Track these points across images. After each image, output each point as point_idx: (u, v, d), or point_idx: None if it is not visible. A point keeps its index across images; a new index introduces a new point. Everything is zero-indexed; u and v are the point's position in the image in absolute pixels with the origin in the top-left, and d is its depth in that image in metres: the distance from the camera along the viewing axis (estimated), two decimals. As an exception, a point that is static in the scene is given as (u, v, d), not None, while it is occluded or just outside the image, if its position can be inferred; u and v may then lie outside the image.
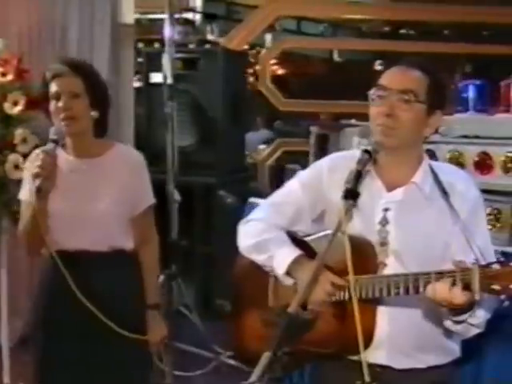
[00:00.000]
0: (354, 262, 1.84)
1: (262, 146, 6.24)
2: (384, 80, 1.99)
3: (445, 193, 1.97)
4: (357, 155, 2.01)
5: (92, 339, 2.46)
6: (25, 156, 3.03)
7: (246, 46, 5.77)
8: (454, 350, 2.05)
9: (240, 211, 4.05)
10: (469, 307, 1.80)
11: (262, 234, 2.12)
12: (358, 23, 7.18)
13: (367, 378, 1.78)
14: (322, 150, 4.14)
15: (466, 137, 2.94)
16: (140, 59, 5.12)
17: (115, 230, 2.49)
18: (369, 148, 1.93)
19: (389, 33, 7.41)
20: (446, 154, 3.01)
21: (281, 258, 2.04)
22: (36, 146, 2.91)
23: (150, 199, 2.59)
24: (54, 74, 2.47)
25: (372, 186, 1.99)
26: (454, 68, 7.07)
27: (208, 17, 7.03)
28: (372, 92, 1.99)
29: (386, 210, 1.99)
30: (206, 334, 4.17)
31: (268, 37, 6.55)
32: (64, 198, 2.41)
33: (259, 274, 2.16)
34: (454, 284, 1.75)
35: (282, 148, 5.58)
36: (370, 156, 1.92)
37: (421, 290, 1.82)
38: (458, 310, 1.81)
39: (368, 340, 1.91)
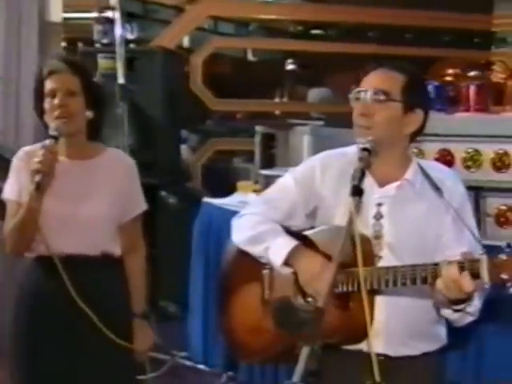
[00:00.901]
0: (352, 255, 1.93)
1: (183, 146, 6.24)
2: (362, 83, 2.10)
3: (437, 188, 2.08)
4: (347, 153, 2.16)
5: (80, 348, 2.40)
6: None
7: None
8: (442, 337, 2.17)
9: (187, 211, 4.04)
10: (469, 297, 1.89)
11: (258, 227, 2.18)
12: (272, 23, 7.19)
13: (377, 378, 1.85)
14: (269, 149, 4.21)
15: (426, 135, 3.06)
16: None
17: (106, 234, 2.45)
18: (367, 146, 2.01)
19: (301, 33, 7.42)
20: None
21: (278, 248, 2.12)
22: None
23: (143, 205, 2.55)
24: (50, 71, 2.42)
25: (363, 183, 2.02)
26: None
27: (128, 16, 6.95)
28: (351, 95, 2.10)
29: (380, 204, 2.09)
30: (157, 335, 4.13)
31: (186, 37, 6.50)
32: (55, 200, 2.35)
33: (250, 268, 2.22)
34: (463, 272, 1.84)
35: (214, 147, 5.59)
36: (369, 153, 2.00)
37: (429, 280, 1.91)
38: (461, 300, 1.91)
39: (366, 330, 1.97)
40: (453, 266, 1.86)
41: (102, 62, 4.65)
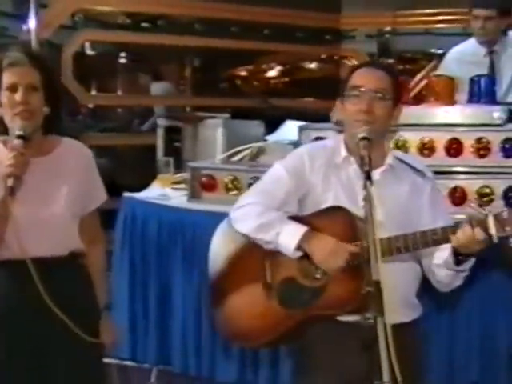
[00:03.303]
0: (350, 233, 2.24)
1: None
2: (357, 81, 2.36)
3: (417, 170, 2.41)
4: (327, 145, 2.48)
5: (54, 354, 2.35)
6: None
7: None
8: (420, 306, 2.46)
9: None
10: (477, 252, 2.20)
11: (264, 215, 2.35)
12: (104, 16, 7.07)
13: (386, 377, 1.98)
14: (173, 142, 4.23)
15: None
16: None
17: (73, 232, 2.41)
18: (365, 135, 2.27)
19: (130, 25, 7.38)
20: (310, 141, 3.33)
21: (289, 234, 2.31)
22: None
23: (103, 196, 2.51)
24: (11, 62, 2.29)
25: (349, 170, 2.39)
26: (182, 60, 7.40)
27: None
28: (347, 91, 2.36)
29: None
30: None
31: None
32: (20, 202, 2.25)
33: (245, 258, 2.42)
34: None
35: (89, 142, 5.45)
36: (368, 141, 2.27)
37: (441, 242, 2.22)
38: (466, 258, 2.22)
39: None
40: (466, 225, 2.15)
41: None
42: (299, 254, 2.29)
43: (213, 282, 2.47)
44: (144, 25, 6.96)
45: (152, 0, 6.12)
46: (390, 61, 7.15)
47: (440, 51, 6.54)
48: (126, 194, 3.65)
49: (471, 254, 2.21)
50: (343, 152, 2.39)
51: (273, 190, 2.39)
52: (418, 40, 7.09)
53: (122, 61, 7.39)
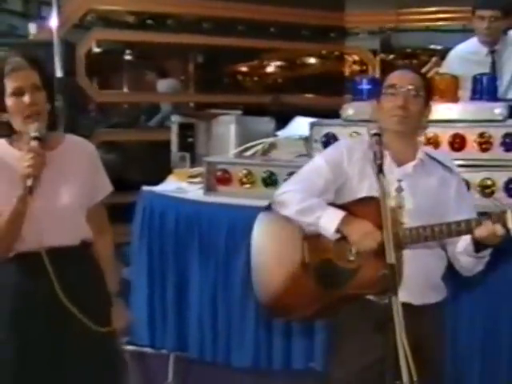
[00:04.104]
0: (379, 218, 2.33)
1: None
2: (393, 81, 2.57)
3: (446, 166, 2.59)
4: (363, 140, 2.63)
5: (70, 346, 2.45)
6: None
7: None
8: (445, 289, 2.63)
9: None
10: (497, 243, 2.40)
11: (305, 201, 2.55)
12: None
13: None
14: (187, 138, 4.38)
15: (363, 121, 3.45)
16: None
17: (82, 221, 2.52)
18: (377, 131, 2.46)
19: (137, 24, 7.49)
20: (347, 136, 3.50)
21: (329, 217, 2.50)
22: None
23: (108, 187, 2.63)
24: (13, 68, 2.38)
25: (383, 162, 2.46)
26: (187, 57, 7.56)
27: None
28: (384, 90, 2.57)
29: (400, 180, 2.54)
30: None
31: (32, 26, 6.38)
32: (34, 196, 2.35)
33: (282, 241, 2.63)
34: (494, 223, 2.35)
35: (100, 138, 5.61)
36: (379, 136, 2.45)
37: (463, 233, 2.43)
38: (485, 247, 2.42)
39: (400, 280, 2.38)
40: (487, 221, 2.36)
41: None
42: (337, 235, 2.49)
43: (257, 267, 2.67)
44: (149, 22, 7.08)
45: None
46: (391, 56, 7.36)
47: (439, 47, 6.77)
48: (145, 188, 3.79)
49: (489, 245, 2.43)
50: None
51: (313, 179, 2.60)
52: (418, 37, 7.27)
53: (128, 58, 7.54)
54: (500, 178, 3.41)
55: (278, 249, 2.64)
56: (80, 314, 2.39)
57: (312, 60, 7.62)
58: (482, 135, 3.46)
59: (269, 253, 2.65)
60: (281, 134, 4.14)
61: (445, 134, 3.48)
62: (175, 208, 3.69)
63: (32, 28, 5.79)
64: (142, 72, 7.67)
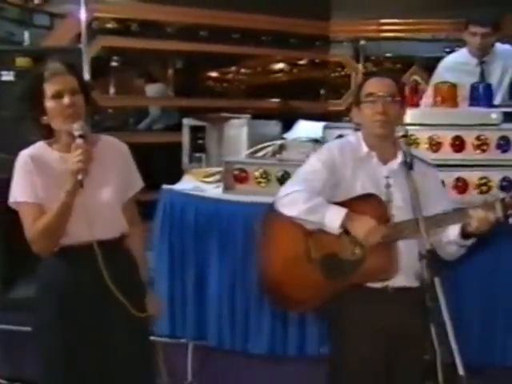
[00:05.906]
0: (380, 214, 2.66)
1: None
2: (371, 89, 2.78)
3: (423, 161, 2.86)
4: (352, 141, 2.87)
5: (113, 331, 2.61)
6: None
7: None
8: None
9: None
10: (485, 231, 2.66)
11: (310, 200, 2.73)
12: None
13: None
14: (198, 140, 4.61)
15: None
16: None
17: (121, 215, 2.69)
18: (405, 133, 2.76)
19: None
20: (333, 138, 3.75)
21: (333, 215, 2.69)
22: None
23: (140, 183, 2.82)
24: (53, 73, 2.53)
25: (371, 162, 2.80)
26: (167, 63, 7.76)
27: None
28: (363, 98, 2.79)
29: (387, 177, 2.79)
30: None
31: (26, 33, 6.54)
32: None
33: (289, 238, 2.83)
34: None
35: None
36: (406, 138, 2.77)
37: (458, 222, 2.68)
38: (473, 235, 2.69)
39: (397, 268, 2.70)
40: (479, 209, 2.63)
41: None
42: (341, 231, 2.70)
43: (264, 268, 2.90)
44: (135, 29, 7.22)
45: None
46: (367, 64, 7.69)
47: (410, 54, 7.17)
48: (165, 186, 3.99)
49: (478, 234, 2.68)
50: (364, 148, 2.81)
51: (311, 180, 2.78)
52: (393, 45, 7.63)
53: (114, 64, 7.67)
54: (496, 176, 3.74)
55: (284, 247, 2.84)
56: (125, 302, 2.56)
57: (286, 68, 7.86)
58: (479, 138, 3.78)
59: (274, 251, 2.86)
60: (287, 136, 4.37)
61: (446, 137, 3.79)
62: (195, 205, 3.87)
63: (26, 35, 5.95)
64: (130, 77, 7.79)
